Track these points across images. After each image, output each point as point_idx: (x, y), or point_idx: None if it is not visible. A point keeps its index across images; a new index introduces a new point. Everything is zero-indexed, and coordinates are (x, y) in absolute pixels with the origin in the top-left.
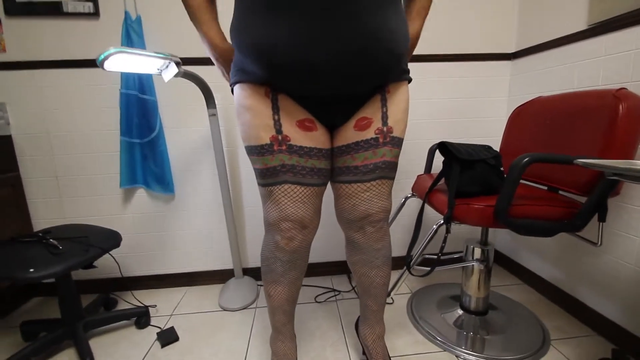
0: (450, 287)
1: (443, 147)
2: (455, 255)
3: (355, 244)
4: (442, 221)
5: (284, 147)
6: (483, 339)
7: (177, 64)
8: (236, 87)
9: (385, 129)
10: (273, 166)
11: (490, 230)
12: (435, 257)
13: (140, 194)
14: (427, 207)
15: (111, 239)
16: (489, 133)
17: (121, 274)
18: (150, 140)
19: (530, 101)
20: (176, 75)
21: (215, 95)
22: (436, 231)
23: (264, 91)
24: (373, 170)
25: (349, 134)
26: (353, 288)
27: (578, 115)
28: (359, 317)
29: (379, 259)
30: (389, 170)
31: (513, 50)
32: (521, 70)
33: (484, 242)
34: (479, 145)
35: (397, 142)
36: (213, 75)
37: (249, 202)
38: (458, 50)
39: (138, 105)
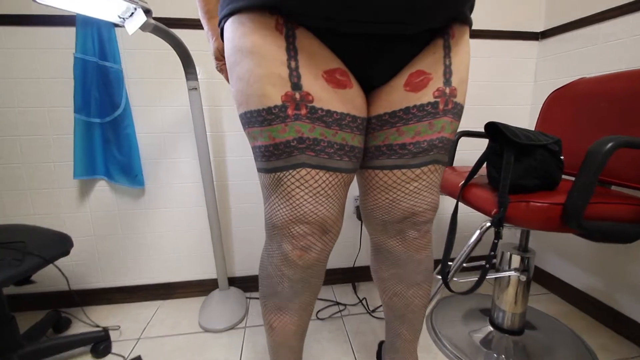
0: (478, 297)
1: (492, 128)
2: (483, 262)
3: (390, 253)
4: (488, 223)
5: (303, 112)
6: None
7: (147, 11)
8: (228, 24)
9: (447, 90)
10: (285, 140)
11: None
12: (472, 265)
13: (101, 187)
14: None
15: (57, 245)
16: (511, 121)
17: (69, 287)
18: (113, 120)
19: (570, 83)
20: (144, 28)
21: (197, 65)
22: (481, 237)
23: (274, 23)
24: (427, 151)
25: (395, 96)
26: (360, 301)
27: None
28: (381, 343)
29: (420, 274)
30: (444, 152)
31: (541, 29)
32: (551, 51)
33: (523, 248)
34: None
35: (459, 112)
36: (196, 41)
37: (238, 198)
38: (476, 26)
39: (98, 75)
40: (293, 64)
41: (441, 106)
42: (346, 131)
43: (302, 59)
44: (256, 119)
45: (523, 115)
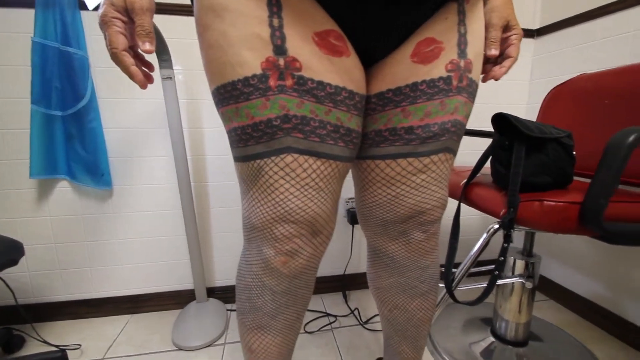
0: (478, 306)
1: (501, 120)
2: (483, 268)
3: (390, 259)
4: (496, 226)
5: (288, 82)
6: None
7: None
8: None
9: (462, 63)
10: (266, 119)
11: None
12: (474, 271)
13: (62, 188)
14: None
15: (5, 253)
16: None
17: (16, 302)
18: (76, 112)
19: (571, 80)
20: None
21: (172, 52)
22: (489, 240)
23: None
24: (438, 136)
25: (400, 69)
26: (352, 311)
27: None
28: None
29: (425, 283)
30: (457, 138)
31: (537, 27)
32: (547, 49)
33: (528, 253)
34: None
35: (474, 92)
36: (172, 28)
37: (218, 200)
38: None
39: (60, 63)
40: (276, 22)
41: (455, 82)
42: (342, 109)
43: (288, 16)
44: (231, 94)
45: (519, 114)
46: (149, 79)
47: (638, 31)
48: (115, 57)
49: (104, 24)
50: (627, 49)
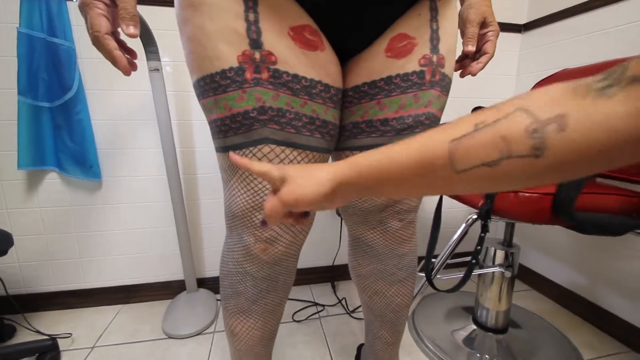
0: (460, 295)
1: None
2: (466, 259)
3: (369, 247)
4: (475, 216)
5: (264, 75)
6: None
7: None
8: None
9: (434, 58)
10: (243, 111)
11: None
12: (456, 262)
13: (52, 179)
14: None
15: None
16: None
17: (6, 292)
18: (64, 104)
19: (554, 75)
20: None
21: (159, 43)
22: (467, 230)
23: None
24: (412, 128)
25: (375, 64)
26: (339, 301)
27: None
28: (360, 347)
29: (403, 270)
30: None
31: (524, 21)
32: (534, 44)
33: (508, 243)
34: None
35: (447, 86)
36: (160, 20)
37: (208, 192)
38: None
39: (46, 54)
40: (252, 16)
41: (428, 76)
42: (317, 102)
43: (263, 11)
44: (210, 86)
45: None
46: (132, 66)
47: (620, 27)
48: (97, 41)
49: (85, 6)
50: (610, 45)
